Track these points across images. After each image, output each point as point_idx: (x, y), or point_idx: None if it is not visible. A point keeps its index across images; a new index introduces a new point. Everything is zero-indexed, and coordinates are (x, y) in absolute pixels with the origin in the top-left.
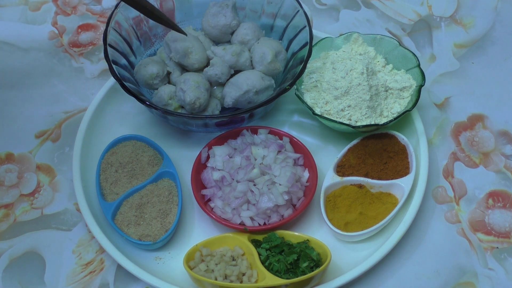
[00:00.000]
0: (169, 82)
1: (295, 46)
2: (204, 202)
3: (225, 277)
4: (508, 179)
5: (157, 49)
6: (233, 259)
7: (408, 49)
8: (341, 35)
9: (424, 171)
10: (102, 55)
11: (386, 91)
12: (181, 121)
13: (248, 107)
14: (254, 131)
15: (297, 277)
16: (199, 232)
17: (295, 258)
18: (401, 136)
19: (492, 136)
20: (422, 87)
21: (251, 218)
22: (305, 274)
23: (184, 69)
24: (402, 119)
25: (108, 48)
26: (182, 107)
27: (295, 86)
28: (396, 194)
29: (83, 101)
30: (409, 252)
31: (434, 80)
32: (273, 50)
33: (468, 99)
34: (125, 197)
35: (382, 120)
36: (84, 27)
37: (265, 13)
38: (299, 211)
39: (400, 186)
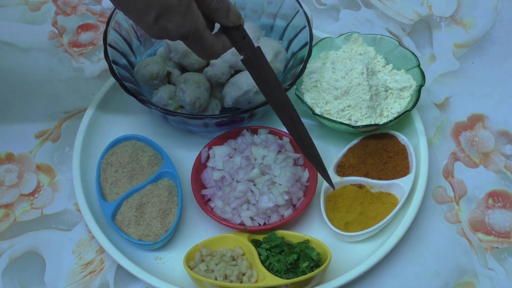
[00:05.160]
0: (169, 82)
1: (295, 46)
2: (204, 202)
3: (225, 277)
4: (508, 179)
5: (157, 49)
6: (233, 259)
7: (408, 49)
8: (341, 35)
9: (424, 171)
10: (102, 55)
11: (386, 91)
12: (181, 121)
13: (248, 107)
14: (254, 131)
15: (297, 277)
16: (199, 232)
17: (295, 258)
18: (401, 136)
19: (492, 136)
20: (422, 87)
21: (251, 218)
22: (305, 274)
23: (184, 69)
24: (402, 119)
25: (108, 48)
26: (182, 107)
27: (295, 86)
28: (396, 194)
29: (83, 101)
30: (409, 252)
31: (434, 80)
32: (273, 50)
33: (468, 99)
34: (125, 197)
35: (382, 120)
36: (84, 27)
37: (265, 13)
38: (299, 211)
39: (400, 186)
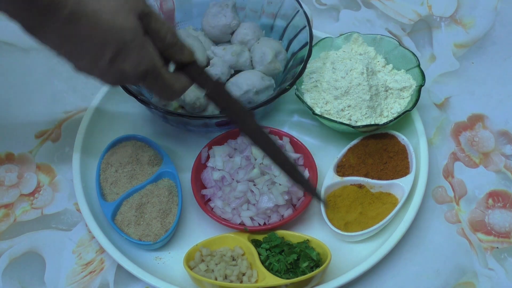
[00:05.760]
0: None
1: (295, 46)
2: (204, 202)
3: (225, 277)
4: (508, 179)
5: None
6: (233, 259)
7: (408, 49)
8: (341, 35)
9: (424, 171)
10: None
11: (386, 91)
12: (181, 121)
13: (248, 107)
14: None
15: (297, 277)
16: (199, 232)
17: (295, 258)
18: (401, 136)
19: (492, 136)
20: (422, 87)
21: (251, 218)
22: (305, 274)
23: None
24: (402, 119)
25: None
26: (182, 107)
27: (295, 86)
28: (396, 194)
29: (83, 101)
30: (409, 252)
31: (434, 80)
32: (273, 50)
33: (468, 99)
34: (125, 197)
35: (382, 120)
36: None
37: (265, 13)
38: (299, 211)
39: (400, 186)
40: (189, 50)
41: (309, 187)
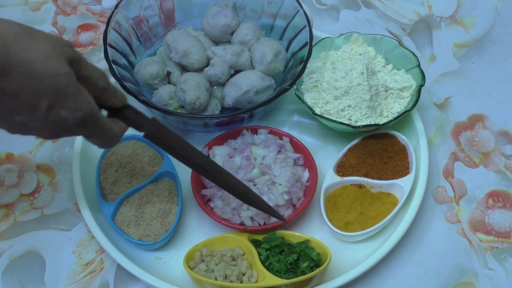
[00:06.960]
0: (169, 82)
1: (295, 46)
2: (204, 202)
3: (225, 277)
4: (508, 179)
5: (157, 49)
6: (233, 259)
7: (408, 49)
8: (341, 35)
9: (424, 171)
10: (102, 55)
11: (386, 91)
12: (181, 121)
13: (248, 107)
14: (254, 131)
15: (297, 277)
16: (199, 232)
17: (295, 258)
18: (401, 136)
19: (492, 136)
20: (422, 87)
21: (251, 218)
22: (305, 274)
23: (184, 69)
24: (402, 119)
25: (108, 48)
26: (182, 107)
27: (295, 86)
28: (396, 194)
29: None
30: (409, 252)
31: (434, 80)
32: (273, 50)
33: (468, 99)
34: (125, 197)
35: (382, 120)
36: (84, 27)
37: (265, 13)
38: (299, 211)
39: (400, 186)
40: (121, 94)
41: (267, 208)
